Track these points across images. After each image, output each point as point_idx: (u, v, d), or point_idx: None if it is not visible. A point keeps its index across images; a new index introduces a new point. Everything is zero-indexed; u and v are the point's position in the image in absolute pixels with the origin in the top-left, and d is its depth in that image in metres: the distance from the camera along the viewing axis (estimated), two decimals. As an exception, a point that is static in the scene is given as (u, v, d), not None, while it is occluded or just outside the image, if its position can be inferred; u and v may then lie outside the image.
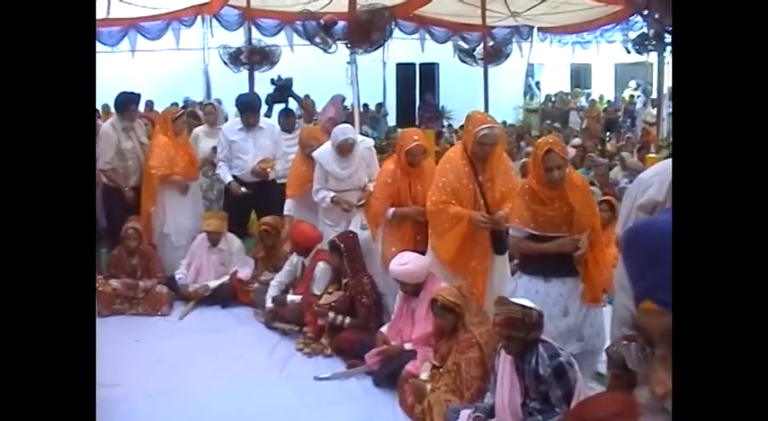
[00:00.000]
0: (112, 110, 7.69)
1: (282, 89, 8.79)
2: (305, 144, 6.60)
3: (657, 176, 3.82)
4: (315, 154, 6.20)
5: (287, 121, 8.10)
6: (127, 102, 7.23)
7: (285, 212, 6.63)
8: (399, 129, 17.35)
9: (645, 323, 1.30)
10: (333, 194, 6.12)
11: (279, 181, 7.24)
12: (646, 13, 4.18)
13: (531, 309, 3.77)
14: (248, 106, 7.36)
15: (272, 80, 9.78)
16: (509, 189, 4.95)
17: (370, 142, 6.68)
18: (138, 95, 7.62)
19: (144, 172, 7.11)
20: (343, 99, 13.05)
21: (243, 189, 7.14)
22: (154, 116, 8.58)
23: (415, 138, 5.55)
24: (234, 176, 7.23)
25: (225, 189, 7.50)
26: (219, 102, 15.14)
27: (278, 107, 9.15)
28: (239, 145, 7.19)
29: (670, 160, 3.79)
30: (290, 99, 9.81)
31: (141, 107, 13.00)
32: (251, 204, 7.32)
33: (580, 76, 23.00)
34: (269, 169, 7.07)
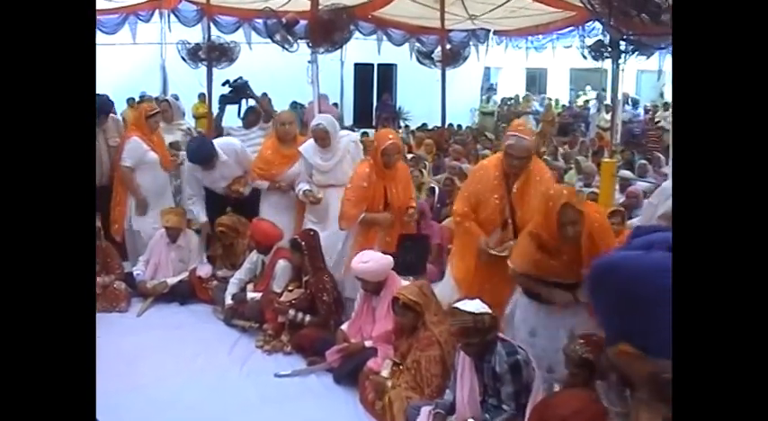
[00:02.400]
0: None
1: (237, 90, 8.74)
2: (285, 121, 6.66)
3: None
4: (300, 148, 6.23)
5: (253, 118, 8.02)
6: (98, 107, 7.10)
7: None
8: (356, 129, 17.50)
9: (622, 365, 1.21)
10: (306, 187, 6.12)
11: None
12: (605, 20, 4.22)
13: (482, 314, 3.80)
14: (201, 161, 6.82)
15: (227, 82, 9.72)
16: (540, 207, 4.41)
17: (356, 136, 6.69)
18: (107, 97, 7.49)
19: (115, 169, 7.07)
20: (327, 97, 13.11)
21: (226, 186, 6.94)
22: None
23: (390, 137, 5.59)
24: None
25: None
26: (177, 97, 15.01)
27: (231, 108, 9.02)
28: (207, 183, 6.98)
29: None
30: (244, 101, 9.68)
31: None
32: (227, 204, 6.96)
33: (536, 80, 23.29)
34: (241, 189, 6.88)
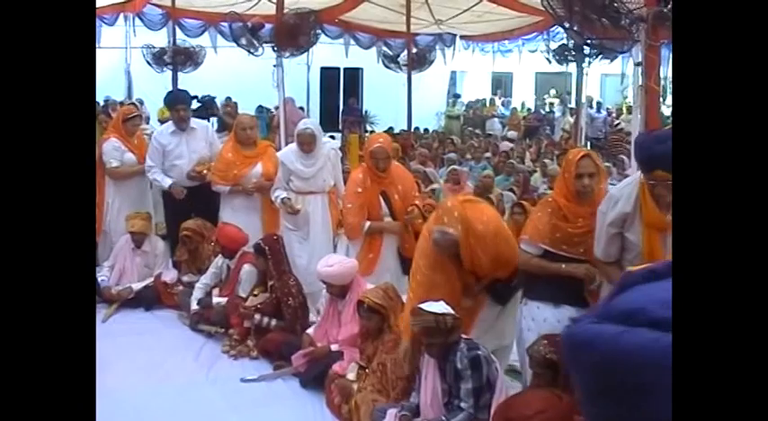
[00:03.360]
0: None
1: (207, 105, 8.71)
2: (246, 125, 6.62)
3: (626, 188, 3.70)
4: (279, 154, 6.19)
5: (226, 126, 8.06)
6: None
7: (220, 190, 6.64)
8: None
9: None
10: (284, 195, 6.00)
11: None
12: (567, 25, 4.27)
13: (444, 314, 3.84)
14: (177, 99, 7.20)
15: (195, 97, 9.76)
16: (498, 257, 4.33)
17: (336, 144, 6.68)
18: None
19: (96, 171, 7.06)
20: (293, 101, 13.07)
21: (192, 173, 6.87)
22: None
23: (379, 140, 5.53)
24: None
25: (163, 194, 7.27)
26: (141, 102, 14.95)
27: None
28: (172, 150, 6.90)
29: (638, 173, 3.66)
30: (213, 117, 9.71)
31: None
32: (191, 208, 6.92)
33: (501, 84, 23.45)
34: (204, 171, 6.82)
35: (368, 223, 5.45)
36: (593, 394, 1.00)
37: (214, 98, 8.95)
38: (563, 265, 3.99)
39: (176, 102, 7.16)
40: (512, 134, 16.31)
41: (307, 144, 5.97)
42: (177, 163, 6.91)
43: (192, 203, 6.92)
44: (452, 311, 3.89)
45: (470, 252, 4.20)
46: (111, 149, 6.97)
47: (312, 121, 6.47)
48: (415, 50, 14.88)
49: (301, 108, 18.36)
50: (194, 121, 7.22)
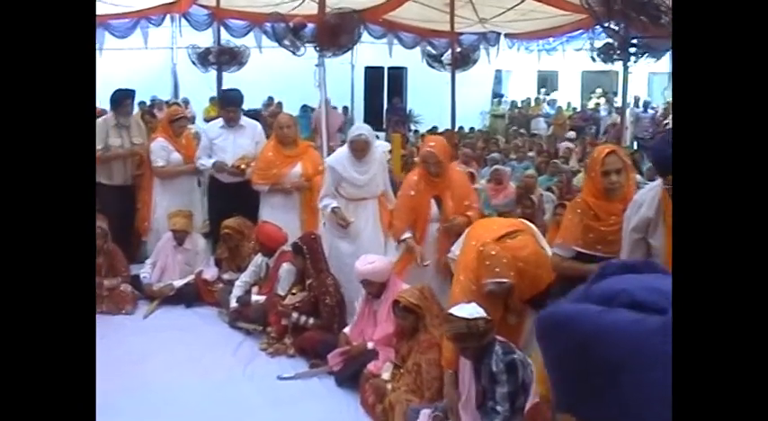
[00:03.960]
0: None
1: (251, 117, 8.76)
2: (284, 124, 6.63)
3: (649, 193, 3.66)
4: (328, 160, 6.00)
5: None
6: (120, 98, 7.37)
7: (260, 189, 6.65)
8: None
9: None
10: (334, 204, 5.74)
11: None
12: (606, 24, 4.23)
13: (476, 319, 3.81)
14: (228, 101, 7.34)
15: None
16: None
17: (386, 146, 6.56)
18: (133, 92, 7.70)
19: (144, 171, 7.33)
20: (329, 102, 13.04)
21: (228, 166, 6.95)
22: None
23: (431, 144, 5.27)
24: (213, 177, 7.25)
25: (208, 191, 7.47)
26: (187, 101, 15.16)
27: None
28: (219, 144, 7.08)
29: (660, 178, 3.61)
30: None
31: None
32: (234, 206, 6.93)
33: (547, 83, 23.25)
34: (243, 166, 6.90)
35: (407, 234, 5.24)
36: (569, 376, 0.98)
37: (259, 111, 9.08)
38: (592, 265, 3.85)
39: (228, 103, 7.32)
40: (570, 134, 16.14)
41: (360, 150, 5.72)
42: (221, 157, 7.03)
43: (236, 201, 6.98)
44: (484, 314, 3.86)
45: (518, 288, 4.17)
46: (159, 149, 7.12)
47: (365, 127, 6.20)
48: (458, 49, 14.83)
49: (345, 107, 18.48)
50: (244, 120, 7.33)
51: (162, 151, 7.13)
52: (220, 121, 7.26)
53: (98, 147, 7.15)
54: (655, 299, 0.98)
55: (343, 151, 5.91)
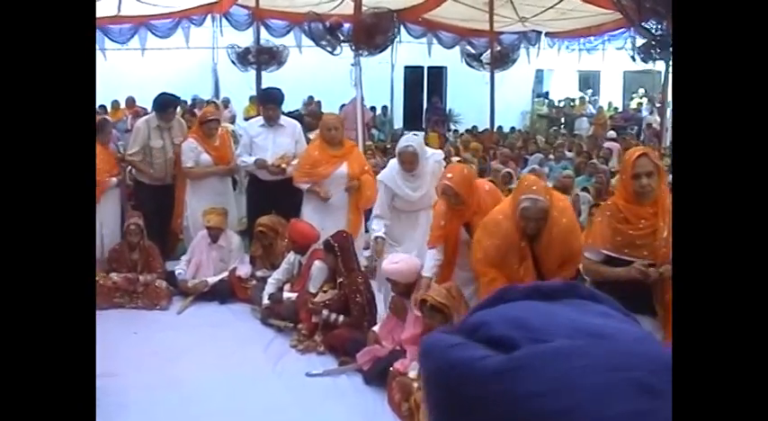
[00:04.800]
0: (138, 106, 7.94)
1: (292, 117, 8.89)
2: (330, 126, 6.60)
3: None
4: (380, 177, 5.80)
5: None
6: (165, 103, 7.47)
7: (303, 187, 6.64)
8: (406, 132, 17.56)
9: None
10: (381, 234, 5.60)
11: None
12: (637, 22, 4.18)
13: None
14: (268, 98, 7.39)
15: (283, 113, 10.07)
16: (569, 254, 4.31)
17: (440, 155, 6.14)
18: (178, 99, 7.82)
19: (178, 170, 7.42)
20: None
21: (269, 163, 7.00)
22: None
23: (448, 176, 4.90)
24: (252, 175, 7.33)
25: (248, 189, 7.59)
26: (228, 101, 15.32)
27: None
28: (259, 142, 7.15)
29: None
30: None
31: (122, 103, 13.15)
32: (273, 204, 7.01)
33: (589, 83, 23.04)
34: (284, 165, 6.95)
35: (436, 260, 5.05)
36: (430, 406, 0.94)
37: (299, 112, 9.18)
38: (619, 269, 3.86)
39: (267, 101, 7.38)
40: (611, 134, 15.99)
41: (409, 163, 5.53)
42: (261, 155, 7.08)
43: (275, 199, 7.04)
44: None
45: (548, 236, 4.19)
46: (188, 150, 7.18)
47: (414, 138, 6.02)
48: (498, 49, 14.78)
49: (385, 107, 18.50)
50: (284, 119, 7.39)
51: (191, 152, 7.18)
52: (260, 120, 7.32)
53: (137, 147, 7.32)
54: (513, 335, 0.90)
55: (393, 165, 5.72)
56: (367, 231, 6.42)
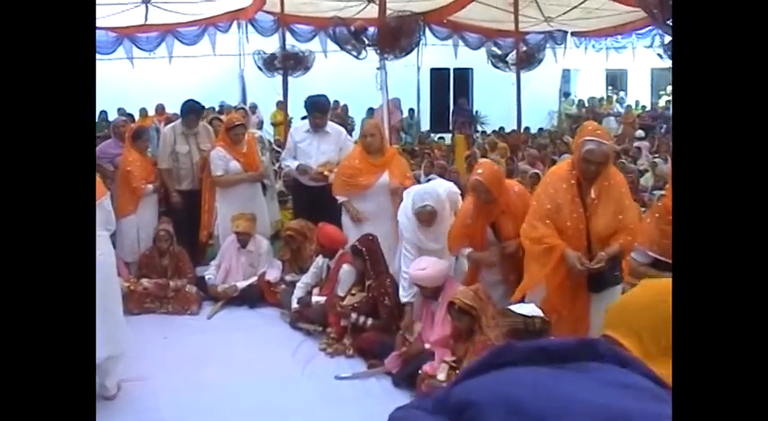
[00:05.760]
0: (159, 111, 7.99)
1: None
2: (368, 133, 6.43)
3: None
4: (399, 221, 5.62)
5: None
6: (189, 110, 7.54)
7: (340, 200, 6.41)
8: (432, 134, 17.55)
9: None
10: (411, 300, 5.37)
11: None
12: (662, 21, 4.15)
13: (533, 317, 3.82)
14: (316, 107, 7.22)
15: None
16: (622, 220, 4.27)
17: (453, 187, 5.95)
18: (202, 105, 7.87)
19: (205, 178, 7.46)
20: (399, 101, 12.93)
21: (312, 171, 6.93)
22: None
23: (479, 172, 4.88)
24: (296, 180, 7.31)
25: (293, 192, 7.59)
26: (255, 106, 15.41)
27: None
28: (303, 148, 7.11)
29: None
30: None
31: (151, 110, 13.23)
32: (315, 208, 6.91)
33: (616, 82, 22.89)
34: (326, 172, 6.88)
35: (467, 251, 5.10)
36: None
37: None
38: (666, 274, 3.71)
39: (314, 109, 7.18)
40: (640, 133, 15.87)
41: (427, 221, 5.37)
42: (305, 161, 7.06)
43: (318, 204, 6.93)
44: (541, 313, 3.87)
45: (602, 188, 4.20)
46: (216, 158, 7.19)
47: (433, 193, 5.49)
48: (524, 49, 14.71)
49: (411, 109, 18.51)
50: (330, 125, 7.30)
51: (219, 160, 7.19)
52: (306, 125, 7.26)
53: (166, 154, 7.41)
54: None
55: (407, 211, 5.48)
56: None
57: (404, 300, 5.37)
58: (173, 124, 7.71)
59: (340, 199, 6.45)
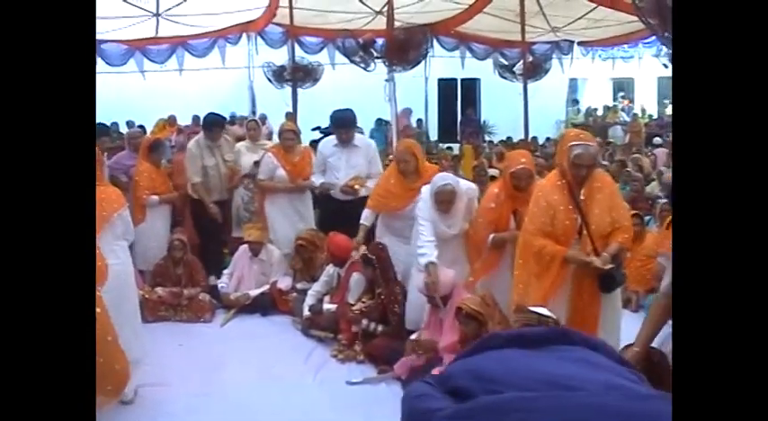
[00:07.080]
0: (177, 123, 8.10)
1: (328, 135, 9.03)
2: (401, 158, 6.16)
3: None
4: (418, 211, 5.53)
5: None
6: (213, 123, 7.74)
7: (362, 221, 6.21)
8: (440, 144, 17.61)
9: None
10: (432, 259, 5.20)
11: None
12: (660, 33, 4.24)
13: (547, 316, 3.91)
14: (341, 122, 7.17)
15: (319, 128, 10.16)
16: (615, 218, 4.46)
17: (474, 189, 5.96)
18: (224, 118, 8.01)
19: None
20: (410, 111, 12.91)
21: (340, 186, 6.91)
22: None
23: (522, 160, 5.14)
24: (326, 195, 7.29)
25: (321, 202, 7.58)
26: (265, 117, 15.53)
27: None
28: (332, 162, 7.08)
29: None
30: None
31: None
32: (344, 220, 6.72)
33: (623, 90, 22.93)
34: (357, 186, 6.85)
35: (491, 236, 5.23)
36: None
37: (329, 131, 9.25)
38: None
39: (339, 125, 7.14)
40: (657, 140, 15.90)
41: (446, 202, 5.43)
42: (335, 175, 7.06)
43: (349, 216, 6.72)
44: (554, 316, 3.95)
45: (593, 189, 4.38)
46: (263, 164, 7.41)
47: (449, 176, 5.70)
48: (530, 59, 14.80)
49: (420, 120, 18.58)
50: (358, 139, 7.30)
51: (265, 166, 7.37)
52: (334, 139, 7.17)
53: (196, 168, 7.52)
54: (470, 386, 0.98)
55: (426, 200, 5.49)
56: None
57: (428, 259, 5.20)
58: (196, 138, 7.83)
59: (367, 216, 6.28)
